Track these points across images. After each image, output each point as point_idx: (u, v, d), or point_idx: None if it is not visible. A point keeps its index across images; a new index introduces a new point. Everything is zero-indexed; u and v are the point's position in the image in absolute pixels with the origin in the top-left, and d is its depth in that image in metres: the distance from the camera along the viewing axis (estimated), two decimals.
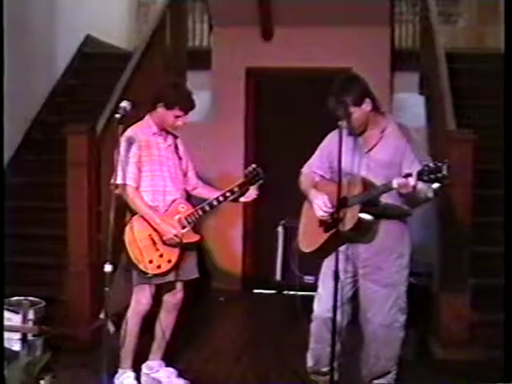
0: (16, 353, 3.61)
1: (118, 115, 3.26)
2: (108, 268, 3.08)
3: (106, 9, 7.33)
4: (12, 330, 3.72)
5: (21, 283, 4.32)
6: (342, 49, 6.03)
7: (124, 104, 3.28)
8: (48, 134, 5.78)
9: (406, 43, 7.19)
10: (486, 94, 5.63)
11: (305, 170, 3.55)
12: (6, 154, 5.24)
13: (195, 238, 3.68)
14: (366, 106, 3.23)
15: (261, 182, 3.72)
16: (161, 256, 3.56)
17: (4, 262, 3.72)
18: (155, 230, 3.56)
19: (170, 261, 3.58)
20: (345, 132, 3.24)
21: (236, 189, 3.67)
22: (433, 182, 2.88)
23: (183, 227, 3.61)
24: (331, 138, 3.40)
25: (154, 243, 3.57)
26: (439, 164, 2.86)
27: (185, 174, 3.82)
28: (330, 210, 3.21)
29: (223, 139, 6.23)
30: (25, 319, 3.89)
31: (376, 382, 3.44)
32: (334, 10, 5.82)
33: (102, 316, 4.23)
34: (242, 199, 3.73)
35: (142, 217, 3.56)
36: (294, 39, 6.12)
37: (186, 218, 3.62)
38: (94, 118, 4.88)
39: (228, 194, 3.66)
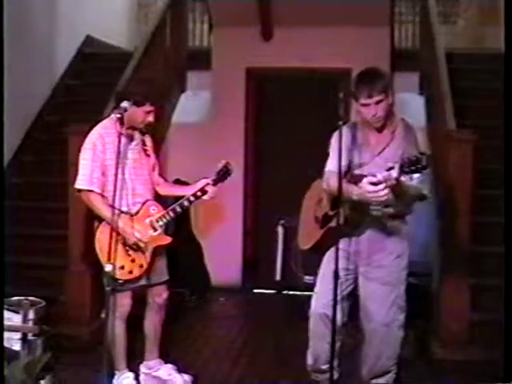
0: (16, 352, 3.61)
1: (118, 115, 3.25)
2: (108, 268, 3.08)
3: (106, 9, 7.33)
4: (12, 329, 3.72)
5: (21, 283, 4.32)
6: (342, 49, 6.03)
7: (124, 104, 3.26)
8: (48, 133, 5.78)
9: (406, 43, 7.20)
10: (486, 93, 5.63)
11: (329, 170, 3.34)
12: (7, 153, 5.24)
13: (166, 240, 3.61)
14: (391, 97, 3.23)
15: (229, 176, 3.62)
16: (132, 261, 3.49)
17: (4, 261, 3.73)
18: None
19: (141, 265, 3.51)
20: (363, 128, 3.27)
21: (207, 188, 3.59)
22: (413, 172, 2.87)
23: (155, 230, 3.54)
24: (345, 134, 3.26)
25: (126, 248, 3.48)
26: (419, 156, 2.86)
27: (152, 171, 3.72)
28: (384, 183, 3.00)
29: (223, 139, 6.23)
30: (25, 319, 3.89)
31: (376, 381, 3.44)
32: (334, 10, 5.81)
33: (102, 316, 4.24)
34: (204, 197, 3.60)
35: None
36: (294, 39, 6.11)
37: (157, 220, 3.54)
38: (94, 118, 4.88)
39: (199, 194, 3.58)
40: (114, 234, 3.22)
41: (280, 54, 6.14)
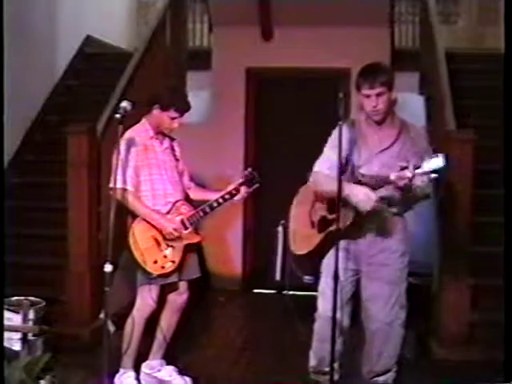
0: (16, 352, 3.62)
1: (118, 115, 3.26)
2: (108, 268, 3.08)
3: (106, 9, 7.34)
4: (12, 329, 3.73)
5: (21, 283, 4.32)
6: (342, 49, 6.03)
7: (124, 104, 3.27)
8: (48, 134, 5.79)
9: (406, 43, 7.20)
10: (486, 93, 5.63)
11: (321, 169, 3.35)
12: (7, 154, 5.24)
13: (197, 238, 3.74)
14: (393, 93, 3.23)
15: (257, 185, 3.79)
16: (165, 257, 3.60)
17: (4, 261, 3.73)
18: (158, 230, 3.60)
19: (173, 261, 3.62)
20: (361, 125, 3.28)
21: (234, 191, 3.74)
22: (429, 173, 2.90)
23: (185, 228, 3.65)
24: (343, 133, 3.22)
25: (158, 244, 3.61)
26: (436, 156, 2.88)
27: (181, 175, 3.84)
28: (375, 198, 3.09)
29: (223, 139, 6.23)
30: (25, 319, 3.90)
31: (376, 379, 3.44)
32: (334, 10, 5.82)
33: (101, 316, 4.24)
34: (235, 198, 3.76)
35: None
36: (294, 39, 6.11)
37: (188, 219, 3.66)
38: (94, 118, 4.89)
39: (227, 197, 3.72)
40: (150, 229, 3.56)
41: (280, 54, 6.14)
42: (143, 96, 4.44)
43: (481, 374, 3.67)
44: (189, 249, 3.71)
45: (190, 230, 3.66)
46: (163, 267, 3.59)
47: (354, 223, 3.18)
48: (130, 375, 3.70)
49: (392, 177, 2.99)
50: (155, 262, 3.57)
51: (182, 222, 3.65)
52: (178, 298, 3.80)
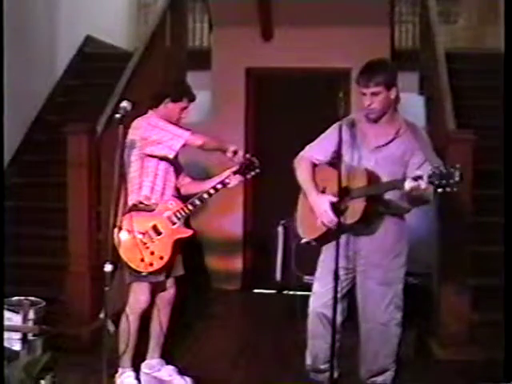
0: (16, 352, 3.61)
1: (118, 115, 3.25)
2: (108, 268, 3.08)
3: (106, 9, 7.34)
4: (12, 329, 3.73)
5: (21, 283, 4.32)
6: (342, 49, 6.03)
7: (124, 104, 3.26)
8: (48, 134, 5.78)
9: (406, 43, 7.21)
10: (486, 94, 5.63)
11: (302, 156, 3.52)
12: (7, 154, 5.24)
13: (187, 232, 3.67)
14: (393, 92, 3.21)
15: (256, 171, 3.70)
16: (152, 253, 3.54)
17: (4, 262, 3.73)
18: (142, 227, 3.54)
19: (161, 257, 3.56)
20: (361, 122, 3.27)
21: (227, 180, 3.66)
22: (444, 187, 2.80)
23: (173, 223, 3.60)
24: (339, 129, 3.22)
25: (143, 242, 3.54)
26: (451, 170, 2.78)
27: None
28: (335, 220, 3.14)
29: (223, 139, 6.22)
30: (25, 319, 3.89)
31: (374, 379, 3.44)
32: (334, 10, 5.82)
33: (101, 316, 4.23)
34: (229, 186, 3.69)
35: (132, 215, 3.51)
36: (294, 39, 6.11)
37: (175, 214, 3.60)
38: (94, 118, 4.89)
39: (219, 187, 3.64)
40: (136, 226, 3.47)
41: (280, 54, 6.14)
42: (143, 96, 4.45)
43: (481, 374, 3.67)
44: (179, 244, 3.64)
45: (177, 225, 3.60)
46: (151, 264, 3.53)
47: (361, 220, 3.16)
48: (129, 375, 3.70)
49: (407, 187, 2.93)
50: (142, 259, 3.51)
51: (169, 217, 3.59)
52: (165, 294, 3.77)
